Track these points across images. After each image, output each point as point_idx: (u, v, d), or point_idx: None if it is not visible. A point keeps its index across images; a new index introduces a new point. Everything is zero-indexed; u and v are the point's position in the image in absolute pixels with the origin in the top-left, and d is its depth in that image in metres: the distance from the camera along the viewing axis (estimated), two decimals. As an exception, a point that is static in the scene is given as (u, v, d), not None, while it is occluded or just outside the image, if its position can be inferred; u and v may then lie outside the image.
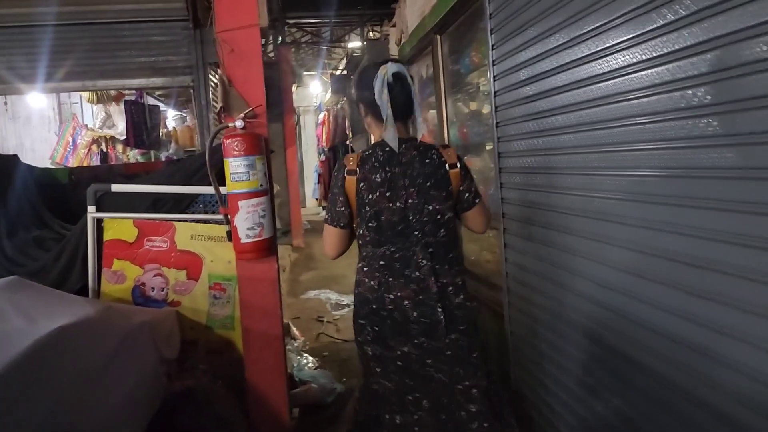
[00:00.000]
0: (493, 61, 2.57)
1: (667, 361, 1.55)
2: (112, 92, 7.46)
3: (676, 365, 1.52)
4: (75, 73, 5.22)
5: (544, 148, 2.19)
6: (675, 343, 1.52)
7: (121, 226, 2.63)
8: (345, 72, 12.22)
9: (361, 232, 2.00)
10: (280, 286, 2.61)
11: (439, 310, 1.89)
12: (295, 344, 4.51)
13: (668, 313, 1.54)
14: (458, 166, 2.00)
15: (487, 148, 3.83)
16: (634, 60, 1.58)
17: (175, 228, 2.62)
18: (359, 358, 2.09)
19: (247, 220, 2.30)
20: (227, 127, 2.39)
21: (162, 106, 9.48)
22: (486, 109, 3.71)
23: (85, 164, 8.59)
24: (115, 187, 2.59)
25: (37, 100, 9.58)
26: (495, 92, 2.60)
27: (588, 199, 1.90)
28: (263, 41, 10.73)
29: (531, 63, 2.22)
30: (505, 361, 2.77)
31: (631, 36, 1.58)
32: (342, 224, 2.02)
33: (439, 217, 1.94)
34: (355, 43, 10.88)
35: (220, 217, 2.45)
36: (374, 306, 1.94)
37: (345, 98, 11.79)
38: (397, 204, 1.91)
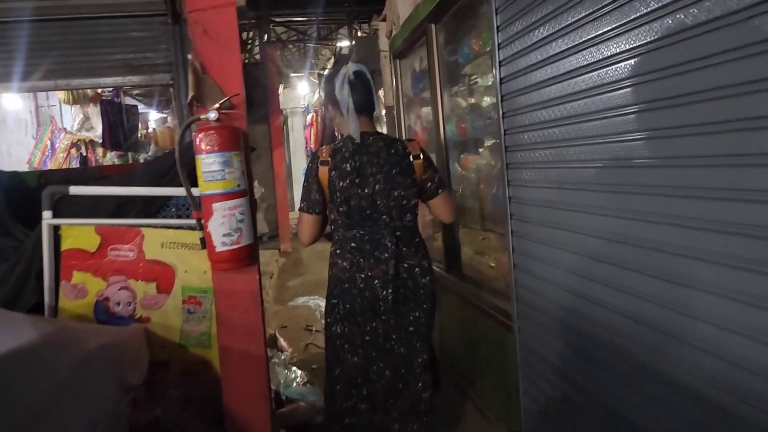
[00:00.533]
0: (499, 45, 2.30)
1: (717, 383, 1.28)
2: (89, 92, 7.13)
3: (728, 388, 1.25)
4: (48, 71, 4.91)
5: (561, 139, 1.93)
6: (729, 363, 1.26)
7: (81, 234, 2.32)
8: (333, 72, 11.95)
9: (333, 216, 2.23)
10: (262, 300, 2.32)
11: (403, 289, 2.15)
12: (282, 357, 4.22)
13: (721, 329, 1.27)
14: (421, 157, 2.20)
15: (488, 144, 3.56)
16: (675, 28, 1.32)
17: (144, 235, 2.33)
18: (326, 343, 2.29)
19: (222, 225, 2.01)
20: (199, 119, 2.10)
21: (142, 107, 9.15)
22: (486, 102, 3.45)
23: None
24: (74, 190, 2.29)
25: (12, 101, 9.21)
26: (501, 79, 2.33)
27: (617, 196, 1.63)
28: (247, 39, 10.44)
29: (544, 43, 1.95)
30: (512, 375, 2.50)
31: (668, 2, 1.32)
32: (316, 211, 2.24)
33: (404, 202, 2.15)
34: (343, 43, 10.62)
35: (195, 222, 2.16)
36: (346, 285, 2.17)
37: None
38: (366, 190, 2.12)
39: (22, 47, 4.53)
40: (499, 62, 2.31)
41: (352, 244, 2.17)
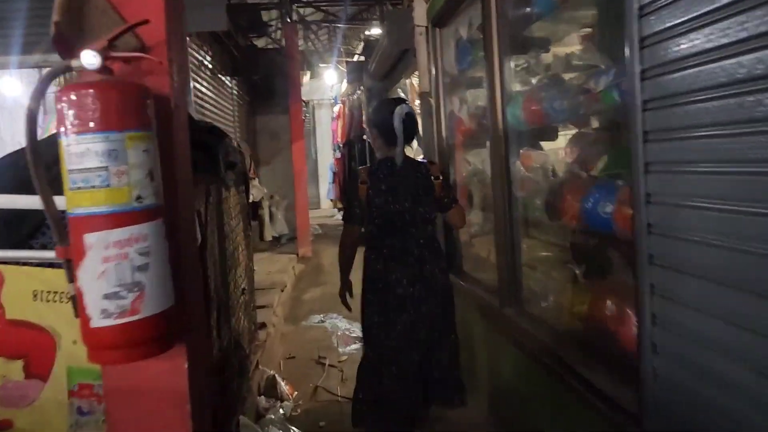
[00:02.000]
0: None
1: None
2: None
3: None
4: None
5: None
6: None
7: None
8: (362, 58, 10.97)
9: (370, 228, 2.64)
10: (200, 411, 1.30)
11: (427, 288, 2.56)
12: (281, 410, 3.22)
13: None
14: (440, 178, 2.65)
15: (569, 131, 2.50)
16: None
17: (3, 278, 1.35)
18: (363, 333, 2.70)
19: (103, 276, 1.02)
20: (69, 69, 1.10)
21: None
22: (572, 74, 2.38)
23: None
24: None
25: (10, 86, 8.45)
26: (641, 9, 1.28)
27: None
28: (268, 22, 9.53)
29: None
30: None
31: None
32: (357, 222, 2.64)
33: (427, 216, 2.61)
34: (373, 30, 9.63)
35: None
36: (380, 284, 2.59)
37: (362, 87, 10.53)
38: (397, 206, 2.56)
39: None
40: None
41: (385, 251, 2.58)
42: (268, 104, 9.93)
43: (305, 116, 13.24)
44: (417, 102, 4.32)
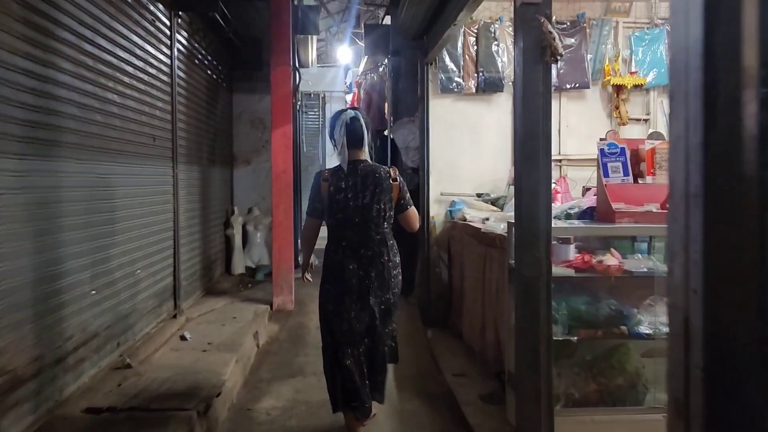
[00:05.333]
0: None
1: None
2: None
3: None
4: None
5: None
6: None
7: None
8: (388, 20, 8.09)
9: (330, 222, 2.93)
10: None
11: (382, 278, 2.86)
12: None
13: None
14: (398, 180, 2.93)
15: None
16: None
17: None
18: (320, 316, 2.98)
19: None
20: None
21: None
22: None
23: None
24: None
25: None
26: None
27: None
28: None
29: None
30: None
31: None
32: (317, 216, 2.95)
33: (384, 214, 2.87)
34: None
35: None
36: (336, 273, 2.86)
37: (386, 61, 7.60)
38: (355, 203, 2.84)
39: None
40: None
41: (343, 243, 2.87)
42: (251, 79, 7.01)
43: (302, 104, 10.22)
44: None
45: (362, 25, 7.66)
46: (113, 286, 3.41)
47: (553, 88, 5.31)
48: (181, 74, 4.82)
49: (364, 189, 2.83)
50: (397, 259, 2.93)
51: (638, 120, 5.35)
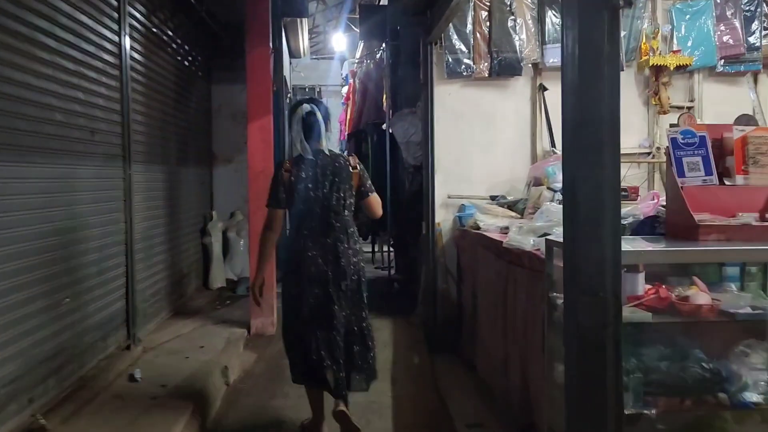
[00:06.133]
0: None
1: None
2: None
3: None
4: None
5: None
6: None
7: None
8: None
9: (291, 211, 2.94)
10: None
11: (340, 266, 2.86)
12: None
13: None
14: (357, 168, 2.98)
15: None
16: None
17: None
18: (282, 301, 3.04)
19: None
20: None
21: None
22: None
23: None
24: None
25: None
26: None
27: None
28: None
29: None
30: None
31: None
32: (282, 206, 2.92)
33: (344, 202, 2.90)
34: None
35: None
36: (298, 261, 2.87)
37: (383, 46, 6.79)
38: (316, 193, 2.86)
39: None
40: None
41: (305, 232, 2.87)
42: (233, 68, 6.19)
43: (293, 98, 9.44)
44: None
45: (357, 7, 6.86)
46: (21, 325, 2.61)
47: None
48: (138, 57, 4.03)
49: (325, 178, 2.89)
50: (358, 246, 3.00)
51: (680, 108, 4.53)
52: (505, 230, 3.53)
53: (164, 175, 4.69)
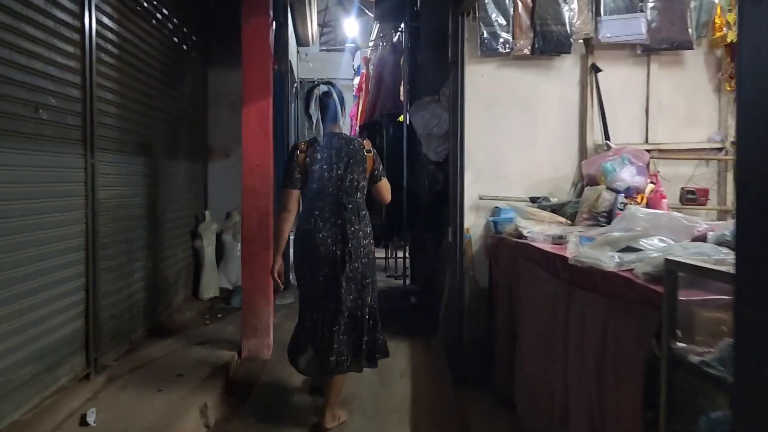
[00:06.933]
0: None
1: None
2: None
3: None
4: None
5: None
6: None
7: None
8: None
9: (305, 192, 2.95)
10: None
11: (349, 248, 2.87)
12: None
13: None
14: (371, 152, 3.00)
15: None
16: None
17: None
18: (297, 281, 3.06)
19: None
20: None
21: None
22: None
23: None
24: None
25: None
26: None
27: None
28: None
29: None
30: None
31: None
32: (297, 186, 2.94)
33: (357, 184, 2.93)
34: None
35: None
36: (308, 241, 2.89)
37: (401, 28, 6.06)
38: (330, 174, 2.89)
39: None
40: None
41: (316, 212, 2.89)
42: (233, 51, 5.47)
43: (301, 90, 8.73)
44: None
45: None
46: None
47: (639, 49, 3.67)
48: (108, 22, 3.32)
49: (339, 160, 2.91)
50: (369, 229, 3.00)
51: (760, 95, 3.77)
52: (558, 240, 2.79)
53: (145, 168, 3.98)
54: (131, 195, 3.72)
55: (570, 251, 2.38)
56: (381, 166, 3.08)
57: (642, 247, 2.06)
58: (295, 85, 7.21)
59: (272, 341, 3.89)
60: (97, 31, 3.11)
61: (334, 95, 3.01)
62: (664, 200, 3.08)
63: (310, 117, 3.11)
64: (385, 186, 3.08)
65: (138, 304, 3.85)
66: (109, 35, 3.35)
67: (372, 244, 3.02)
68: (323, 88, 3.03)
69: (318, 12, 9.71)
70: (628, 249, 2.11)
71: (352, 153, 2.91)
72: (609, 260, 2.01)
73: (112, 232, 3.40)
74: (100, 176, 3.16)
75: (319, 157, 2.89)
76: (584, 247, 2.28)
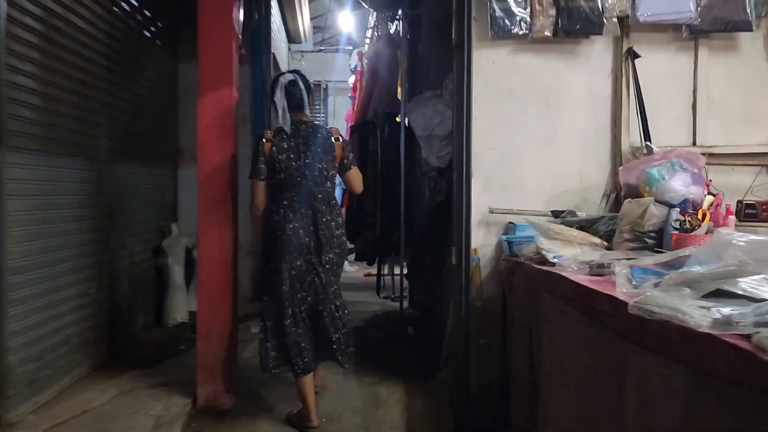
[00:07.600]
0: None
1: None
2: None
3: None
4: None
5: None
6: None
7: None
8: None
9: (272, 182, 2.91)
10: None
11: (321, 238, 2.85)
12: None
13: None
14: (340, 140, 2.98)
15: None
16: None
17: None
18: (263, 276, 2.97)
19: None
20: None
21: None
22: None
23: None
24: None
25: None
26: None
27: None
28: None
29: None
30: None
31: None
32: (262, 177, 2.89)
33: (325, 173, 2.90)
34: None
35: None
36: (278, 232, 2.84)
37: (400, 17, 5.40)
38: (298, 163, 2.85)
39: None
40: None
41: (285, 203, 2.85)
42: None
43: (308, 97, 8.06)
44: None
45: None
46: None
47: (685, 31, 2.97)
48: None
49: (306, 149, 2.87)
50: (340, 219, 2.99)
51: (834, 87, 3.08)
52: (599, 269, 2.09)
53: (84, 174, 3.31)
54: (60, 206, 3.04)
55: (621, 288, 1.67)
56: (351, 155, 3.06)
57: (743, 293, 1.36)
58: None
59: (236, 385, 3.18)
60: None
61: (300, 84, 2.94)
62: (731, 217, 2.37)
63: (275, 106, 2.95)
64: (355, 174, 3.05)
65: (71, 341, 3.16)
66: (28, 6, 2.69)
67: (344, 235, 3.02)
68: (289, 76, 2.97)
69: (320, 16, 9.11)
70: (720, 293, 1.41)
71: (320, 141, 2.89)
72: (696, 313, 1.31)
73: (28, 252, 2.72)
74: (8, 182, 2.49)
75: (285, 146, 2.85)
76: (647, 285, 1.58)
